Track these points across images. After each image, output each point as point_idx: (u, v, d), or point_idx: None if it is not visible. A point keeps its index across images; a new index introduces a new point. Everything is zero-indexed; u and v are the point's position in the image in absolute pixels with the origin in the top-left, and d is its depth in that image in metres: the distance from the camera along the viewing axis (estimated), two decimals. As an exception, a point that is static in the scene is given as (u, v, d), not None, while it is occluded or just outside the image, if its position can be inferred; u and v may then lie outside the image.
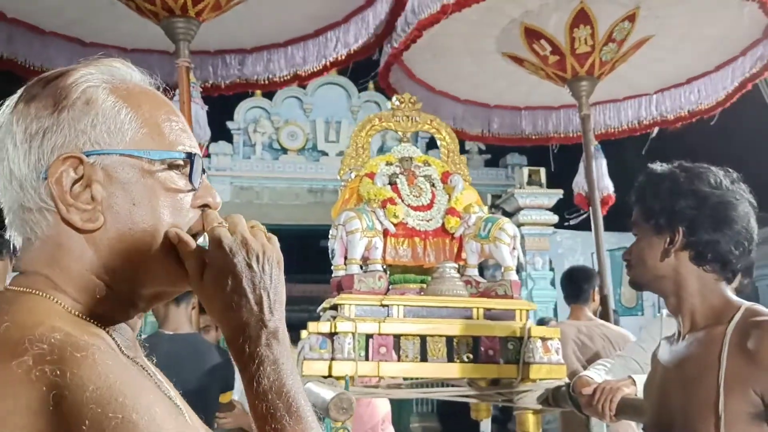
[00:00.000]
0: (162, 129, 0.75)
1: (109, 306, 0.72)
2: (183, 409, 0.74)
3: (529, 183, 9.64)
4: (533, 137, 5.83)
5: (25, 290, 0.69)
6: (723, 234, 1.42)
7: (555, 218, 9.76)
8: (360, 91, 11.44)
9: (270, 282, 0.73)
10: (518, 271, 2.86)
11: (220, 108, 11.06)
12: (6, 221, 0.74)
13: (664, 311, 2.82)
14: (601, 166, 4.75)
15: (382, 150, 11.23)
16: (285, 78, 4.78)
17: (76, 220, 0.70)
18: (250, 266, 0.72)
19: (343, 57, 4.52)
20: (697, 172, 1.48)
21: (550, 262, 9.70)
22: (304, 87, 11.55)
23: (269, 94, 11.39)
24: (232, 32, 4.61)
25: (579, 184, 4.78)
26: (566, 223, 9.53)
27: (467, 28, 4.11)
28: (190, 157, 0.76)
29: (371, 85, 11.41)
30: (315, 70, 4.65)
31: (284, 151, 11.40)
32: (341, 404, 1.73)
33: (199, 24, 3.71)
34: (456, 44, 4.57)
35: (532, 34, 4.38)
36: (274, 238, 0.76)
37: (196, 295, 0.75)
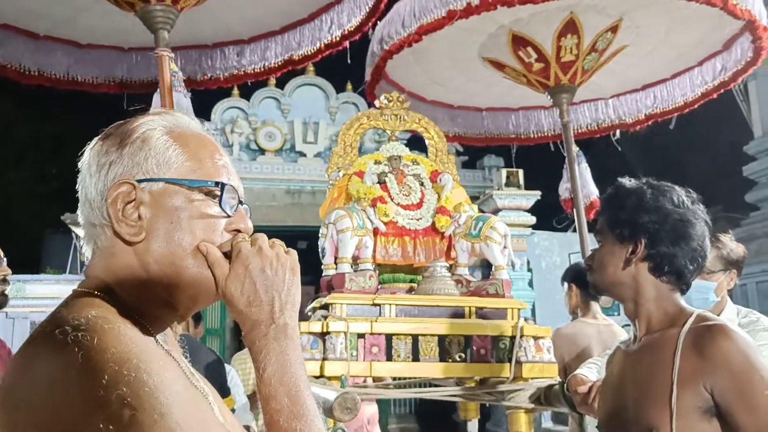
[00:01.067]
0: (203, 163, 0.90)
1: (151, 307, 0.86)
2: (216, 405, 0.84)
3: (507, 184, 9.70)
4: (497, 137, 5.88)
5: (84, 290, 0.84)
6: (681, 249, 1.54)
7: (533, 219, 9.84)
8: (338, 91, 11.42)
9: (282, 285, 0.86)
10: (512, 269, 2.86)
11: (196, 108, 10.95)
12: (83, 236, 0.91)
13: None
14: (584, 171, 4.79)
15: (361, 151, 11.19)
16: (279, 64, 4.70)
17: (124, 233, 0.85)
18: (263, 271, 0.85)
19: (338, 38, 4.47)
20: (663, 190, 1.59)
21: (528, 262, 9.77)
22: (281, 87, 11.50)
23: (246, 94, 11.30)
24: (226, 22, 4.54)
25: (564, 189, 4.81)
26: (559, 226, 9.62)
27: (455, 33, 4.10)
28: (219, 186, 0.89)
29: (349, 85, 11.39)
30: (310, 53, 4.57)
31: (262, 151, 11.31)
32: (345, 404, 1.70)
33: (177, 12, 3.63)
34: (439, 48, 4.55)
35: (519, 42, 4.40)
36: (293, 251, 0.91)
37: (222, 298, 0.87)
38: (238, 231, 0.91)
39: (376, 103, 3.14)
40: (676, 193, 1.59)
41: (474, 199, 10.84)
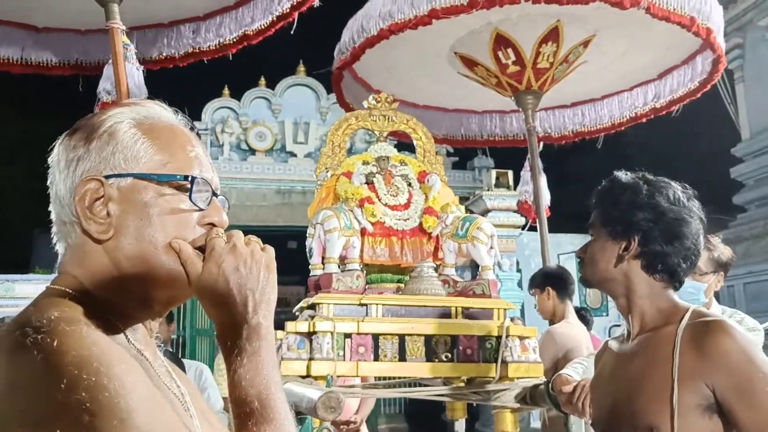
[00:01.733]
0: (174, 156, 0.87)
1: (124, 305, 0.84)
2: (193, 406, 0.84)
3: (497, 185, 9.74)
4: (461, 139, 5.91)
5: (56, 287, 0.83)
6: (674, 248, 1.51)
7: (522, 220, 9.87)
8: (329, 92, 11.42)
9: (257, 284, 0.83)
10: (498, 269, 2.89)
11: (187, 108, 10.92)
12: (54, 233, 0.89)
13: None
14: (542, 177, 4.83)
15: (350, 152, 11.20)
16: (233, 41, 4.66)
17: (92, 231, 0.83)
18: (237, 270, 0.82)
19: (288, 10, 4.44)
20: (658, 186, 1.56)
21: (518, 263, 9.80)
22: (272, 87, 11.49)
23: (237, 94, 11.29)
24: (183, 2, 4.51)
25: (524, 193, 4.84)
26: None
27: (433, 25, 4.07)
28: (189, 179, 0.86)
29: (340, 86, 11.40)
30: (263, 27, 4.53)
31: (252, 151, 11.29)
32: (329, 403, 1.70)
33: None
34: (409, 42, 4.49)
35: (501, 41, 4.41)
36: (270, 248, 0.87)
37: (196, 296, 0.84)
38: (213, 225, 0.88)
39: (364, 103, 3.15)
40: (672, 189, 1.56)
41: (464, 199, 10.86)
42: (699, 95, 5.10)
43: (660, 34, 4.32)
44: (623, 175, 1.62)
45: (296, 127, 11.36)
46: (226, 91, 11.27)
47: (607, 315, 9.60)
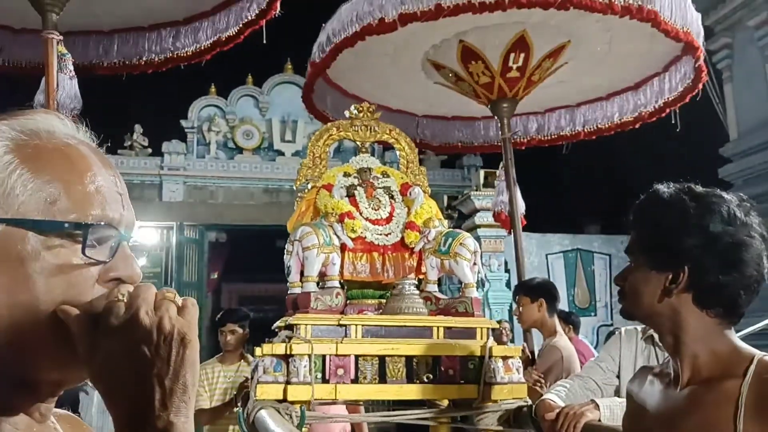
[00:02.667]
0: (67, 192, 0.65)
1: (1, 391, 0.64)
2: None
3: (486, 185, 9.68)
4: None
5: None
6: (732, 278, 1.26)
7: (510, 220, 9.83)
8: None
9: (167, 368, 0.61)
10: (482, 286, 2.82)
11: (173, 106, 10.78)
12: None
13: (623, 328, 2.82)
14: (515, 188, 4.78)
15: (339, 150, 11.12)
16: (206, 47, 4.60)
17: None
18: (137, 350, 0.60)
19: (255, 17, 4.41)
20: (709, 202, 1.30)
21: (506, 263, 9.76)
22: (259, 85, 11.37)
23: (224, 93, 11.17)
24: (157, 4, 4.44)
25: (500, 204, 4.79)
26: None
27: (404, 35, 4.02)
28: (81, 227, 0.64)
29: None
30: (233, 34, 4.49)
31: (239, 150, 11.19)
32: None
33: None
34: (383, 50, 4.44)
35: (468, 52, 4.36)
36: (190, 309, 0.64)
37: (90, 382, 0.64)
38: (120, 280, 0.67)
39: (346, 113, 3.07)
40: (726, 204, 1.29)
41: (452, 199, 10.82)
42: (686, 100, 5.05)
43: (638, 40, 4.27)
44: (665, 190, 1.36)
45: (284, 126, 11.27)
46: (212, 89, 11.15)
47: (595, 315, 9.60)
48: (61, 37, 3.44)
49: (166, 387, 0.61)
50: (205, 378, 4.07)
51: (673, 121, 5.36)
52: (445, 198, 10.80)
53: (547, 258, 9.73)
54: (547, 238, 9.90)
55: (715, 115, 9.06)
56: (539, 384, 3.38)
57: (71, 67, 3.37)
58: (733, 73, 9.09)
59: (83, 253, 0.64)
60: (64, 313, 0.62)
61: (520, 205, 4.73)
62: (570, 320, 5.56)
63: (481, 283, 2.75)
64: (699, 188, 1.35)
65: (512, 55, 4.28)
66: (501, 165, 4.82)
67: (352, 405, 3.40)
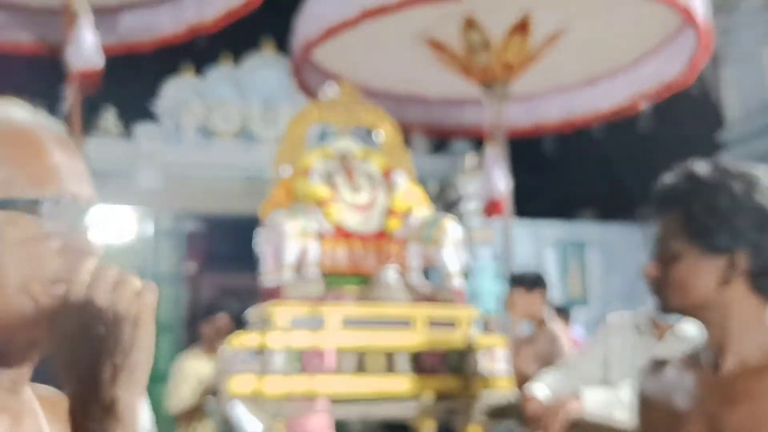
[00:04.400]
0: (25, 169, 0.70)
1: None
2: None
3: (476, 171, 9.58)
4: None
5: None
6: None
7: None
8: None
9: (117, 346, 0.65)
10: (465, 274, 2.73)
11: (145, 87, 10.43)
12: None
13: (610, 318, 2.73)
14: (496, 168, 4.64)
15: (323, 136, 10.91)
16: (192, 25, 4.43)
17: None
18: (92, 327, 0.64)
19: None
20: (751, 179, 1.25)
21: (496, 252, 9.69)
22: (238, 64, 10.99)
23: (200, 73, 10.77)
24: None
25: (489, 190, 4.65)
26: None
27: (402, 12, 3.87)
28: (40, 202, 0.69)
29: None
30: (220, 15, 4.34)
31: (217, 135, 10.92)
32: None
33: None
34: (374, 28, 4.28)
35: (472, 29, 4.23)
36: (149, 292, 0.68)
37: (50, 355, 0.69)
38: (79, 254, 0.71)
39: (325, 94, 2.96)
40: (764, 179, 1.26)
41: (442, 185, 10.70)
42: (689, 79, 4.91)
43: (637, 20, 4.14)
44: (703, 170, 1.29)
45: (264, 109, 10.98)
46: (187, 69, 10.77)
47: (588, 304, 9.54)
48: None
49: (117, 365, 0.64)
50: (191, 369, 3.99)
51: (665, 105, 5.25)
52: (435, 184, 10.71)
53: (539, 246, 9.64)
54: (540, 226, 9.80)
55: (709, 99, 8.98)
56: (532, 372, 3.30)
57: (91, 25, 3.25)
58: (729, 57, 8.98)
59: (43, 227, 0.68)
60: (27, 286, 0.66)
61: (501, 189, 4.61)
62: (562, 312, 5.50)
63: (466, 272, 2.66)
64: (733, 165, 1.27)
65: (513, 37, 4.16)
66: (489, 148, 4.70)
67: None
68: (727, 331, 1.25)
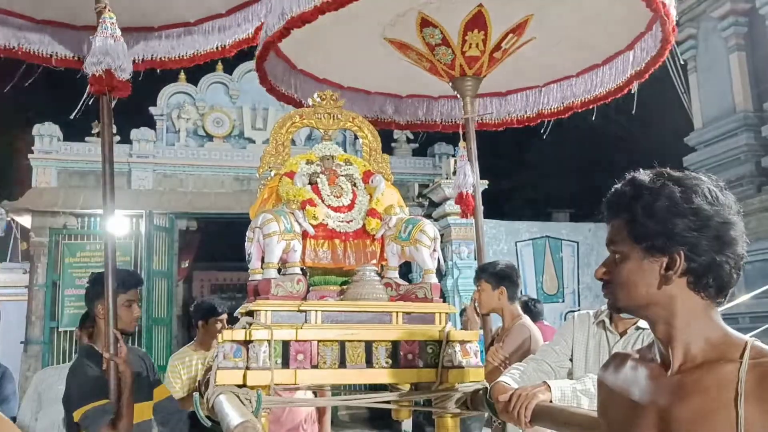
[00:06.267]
0: None
1: None
2: None
3: (456, 173, 9.74)
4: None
5: None
6: (725, 257, 1.27)
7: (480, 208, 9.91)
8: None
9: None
10: (441, 272, 2.86)
11: (143, 93, 10.58)
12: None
13: (576, 313, 2.89)
14: (466, 164, 4.72)
15: (310, 138, 11.08)
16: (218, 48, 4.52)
17: None
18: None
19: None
20: (692, 185, 1.31)
21: (476, 251, 9.86)
22: (230, 72, 11.26)
23: (194, 79, 11.04)
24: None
25: (462, 184, 4.73)
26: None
27: (359, 9, 3.89)
28: None
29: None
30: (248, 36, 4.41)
31: (209, 138, 11.10)
32: None
33: None
34: (338, 24, 4.30)
35: (427, 26, 4.25)
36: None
37: None
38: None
39: (309, 101, 3.08)
40: (705, 185, 1.31)
41: (423, 187, 10.87)
42: (654, 69, 4.96)
43: (604, 10, 4.16)
44: (645, 177, 1.35)
45: (255, 113, 11.21)
46: (182, 75, 11.02)
47: (563, 301, 9.76)
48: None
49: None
50: (183, 366, 4.09)
51: (633, 109, 5.34)
52: (416, 186, 10.85)
53: (516, 245, 9.85)
54: (517, 226, 10.01)
55: (681, 104, 9.22)
56: (504, 364, 3.43)
57: (114, 28, 3.28)
58: (697, 64, 9.25)
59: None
60: None
61: (470, 183, 4.69)
62: (531, 308, 5.62)
63: (442, 270, 2.79)
64: (675, 172, 1.34)
65: (470, 32, 4.19)
66: (461, 145, 4.78)
67: (319, 389, 3.44)
68: (672, 328, 1.31)
